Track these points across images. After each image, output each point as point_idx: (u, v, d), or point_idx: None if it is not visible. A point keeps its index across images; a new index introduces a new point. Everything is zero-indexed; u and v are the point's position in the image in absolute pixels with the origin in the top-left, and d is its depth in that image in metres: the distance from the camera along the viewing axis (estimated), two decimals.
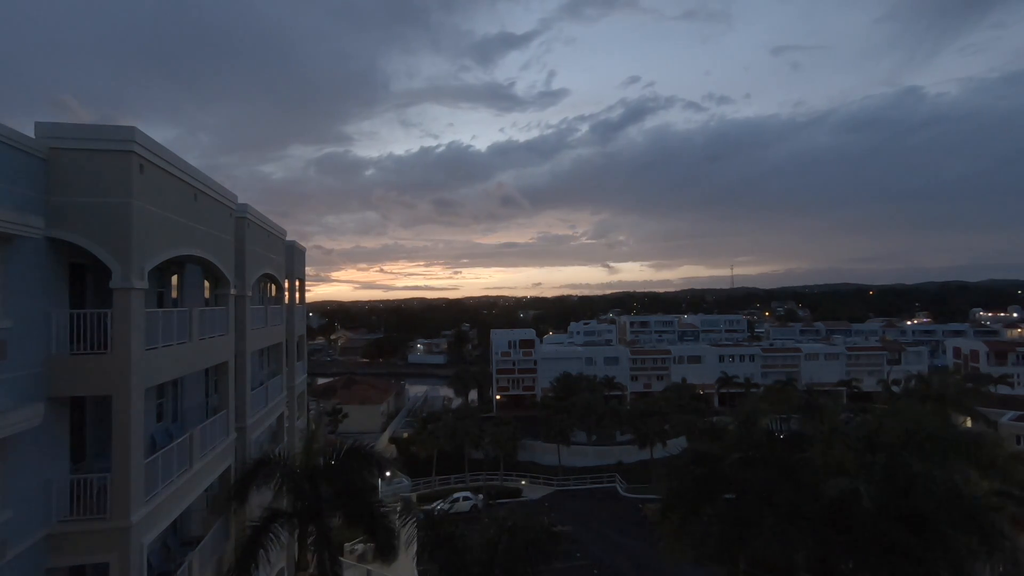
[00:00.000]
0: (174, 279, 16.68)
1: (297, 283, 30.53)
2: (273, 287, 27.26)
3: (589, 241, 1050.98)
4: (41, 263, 11.02)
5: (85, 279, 12.72)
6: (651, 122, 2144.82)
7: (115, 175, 11.66)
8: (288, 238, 28.00)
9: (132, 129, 11.77)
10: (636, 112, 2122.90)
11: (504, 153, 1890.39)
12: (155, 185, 12.80)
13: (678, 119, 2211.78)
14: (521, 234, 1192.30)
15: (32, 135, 10.98)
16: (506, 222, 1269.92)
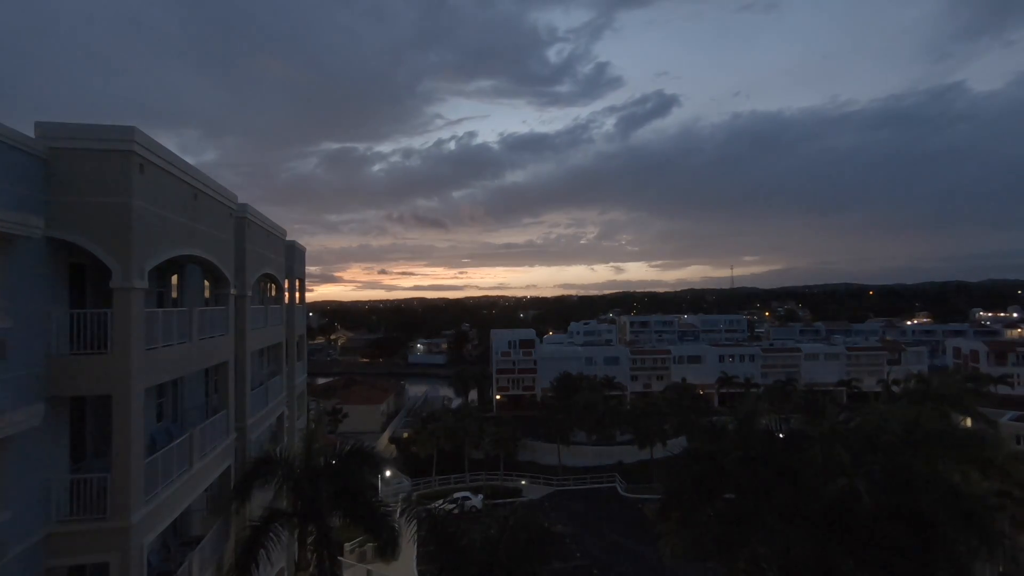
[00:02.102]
0: (174, 279, 16.67)
1: (297, 283, 30.54)
2: (273, 287, 27.26)
3: (596, 241, 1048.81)
4: (41, 263, 11.03)
5: (85, 279, 12.72)
6: (678, 118, 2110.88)
7: (115, 175, 11.66)
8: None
9: (132, 129, 11.77)
10: (661, 108, 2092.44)
11: (522, 149, 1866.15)
12: (155, 185, 12.80)
13: (709, 114, 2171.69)
14: (528, 233, 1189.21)
15: (32, 135, 10.99)
16: (513, 221, 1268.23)
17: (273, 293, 27.25)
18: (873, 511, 14.15)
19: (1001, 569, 20.52)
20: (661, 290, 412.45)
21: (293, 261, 29.12)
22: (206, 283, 18.75)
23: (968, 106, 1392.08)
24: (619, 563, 37.21)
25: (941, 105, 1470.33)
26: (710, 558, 16.87)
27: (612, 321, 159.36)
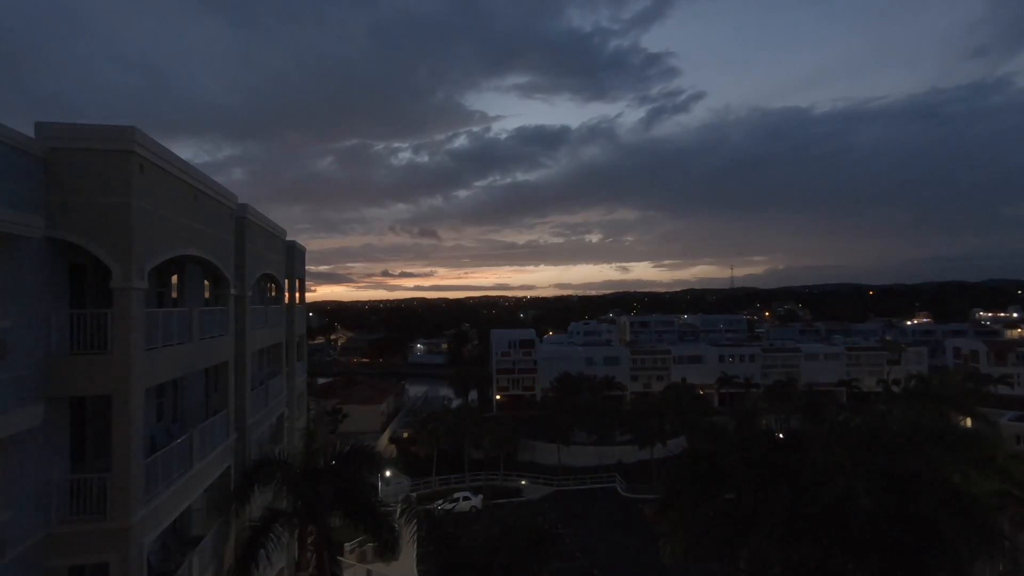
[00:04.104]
0: (174, 279, 16.68)
1: (297, 283, 30.54)
2: (273, 287, 27.26)
3: (603, 240, 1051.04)
4: (41, 263, 11.02)
5: (85, 279, 12.73)
6: (705, 114, 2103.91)
7: (115, 175, 11.67)
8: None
9: (132, 129, 11.78)
10: (688, 103, 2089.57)
11: (537, 145, 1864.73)
12: (155, 185, 12.80)
13: (738, 108, 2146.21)
14: (535, 232, 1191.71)
15: (32, 135, 11.00)
16: (516, 221, 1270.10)
17: (273, 293, 27.25)
18: (873, 512, 14.13)
19: (1001, 569, 20.52)
20: (661, 290, 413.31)
21: (293, 261, 29.12)
22: (206, 283, 18.75)
23: (1006, 101, 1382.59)
24: (619, 563, 37.20)
25: (974, 102, 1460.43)
26: (711, 559, 16.84)
27: (612, 321, 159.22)
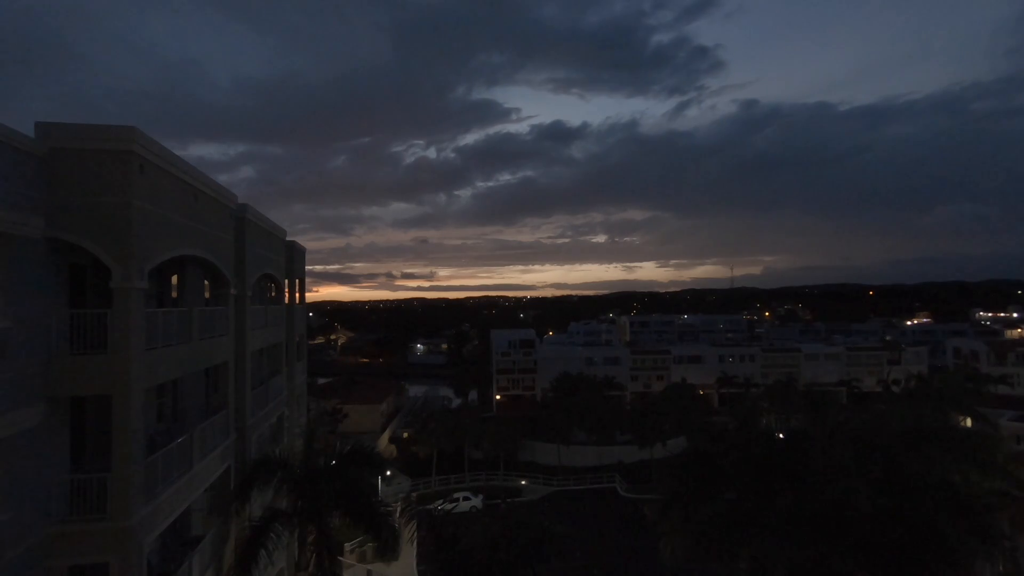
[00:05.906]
0: (174, 279, 16.68)
1: (297, 283, 30.53)
2: (273, 287, 27.25)
3: (609, 240, 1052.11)
4: (41, 263, 11.02)
5: (85, 279, 12.73)
6: (727, 111, 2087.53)
7: (115, 175, 11.66)
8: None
9: (132, 129, 11.78)
10: (711, 102, 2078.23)
11: (552, 141, 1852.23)
12: (155, 185, 12.80)
13: (764, 105, 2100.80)
14: (543, 232, 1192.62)
15: (32, 135, 10.99)
16: (521, 220, 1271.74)
17: (273, 293, 27.25)
18: (874, 513, 14.14)
19: (1001, 569, 20.54)
20: (661, 290, 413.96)
21: (293, 261, 29.11)
22: (206, 283, 18.74)
23: None
24: (619, 563, 37.18)
25: (1003, 100, 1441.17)
26: (711, 559, 16.83)
27: (612, 321, 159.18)
